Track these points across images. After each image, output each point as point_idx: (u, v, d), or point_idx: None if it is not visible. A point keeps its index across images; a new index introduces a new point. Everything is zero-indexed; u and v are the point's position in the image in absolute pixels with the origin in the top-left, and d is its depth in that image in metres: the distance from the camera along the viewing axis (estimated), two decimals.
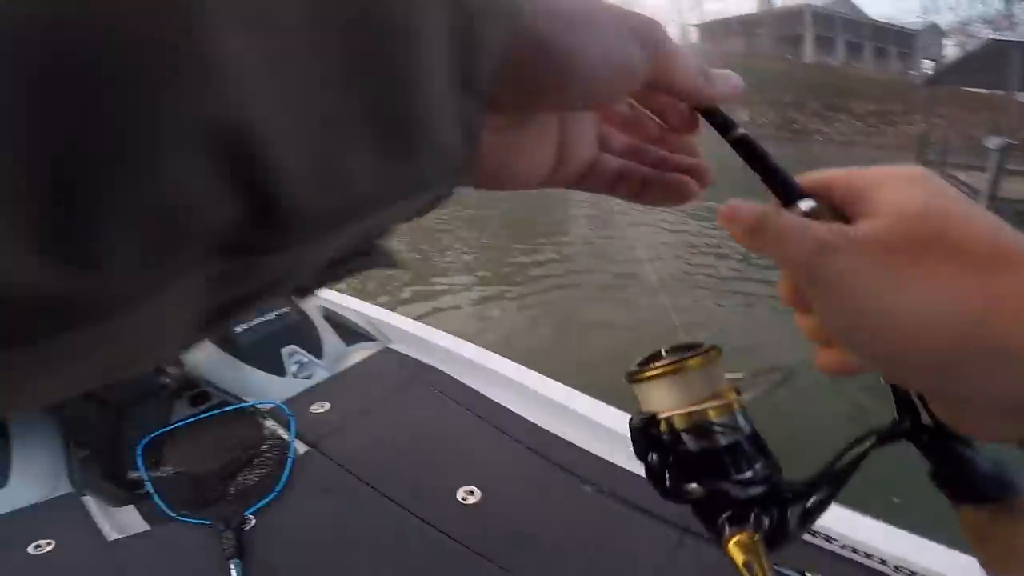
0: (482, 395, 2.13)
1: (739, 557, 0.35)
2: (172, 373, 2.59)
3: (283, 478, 1.76)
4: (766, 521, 0.36)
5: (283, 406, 2.07)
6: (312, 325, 2.59)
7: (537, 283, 6.56)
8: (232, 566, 1.43)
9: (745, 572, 0.35)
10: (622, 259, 7.01)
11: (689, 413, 0.37)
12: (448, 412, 2.06)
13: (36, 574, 1.46)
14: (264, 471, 1.85)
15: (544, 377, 2.15)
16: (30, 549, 1.50)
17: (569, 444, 1.85)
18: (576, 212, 10.25)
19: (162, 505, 1.68)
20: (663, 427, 0.39)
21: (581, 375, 2.33)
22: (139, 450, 1.87)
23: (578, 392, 2.05)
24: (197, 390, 2.65)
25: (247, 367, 2.37)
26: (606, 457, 1.77)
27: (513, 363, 2.24)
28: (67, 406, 2.25)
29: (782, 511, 0.36)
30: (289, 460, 1.82)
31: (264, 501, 1.67)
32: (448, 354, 2.36)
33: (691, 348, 0.39)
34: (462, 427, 1.99)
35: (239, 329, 2.40)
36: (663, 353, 0.41)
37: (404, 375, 2.30)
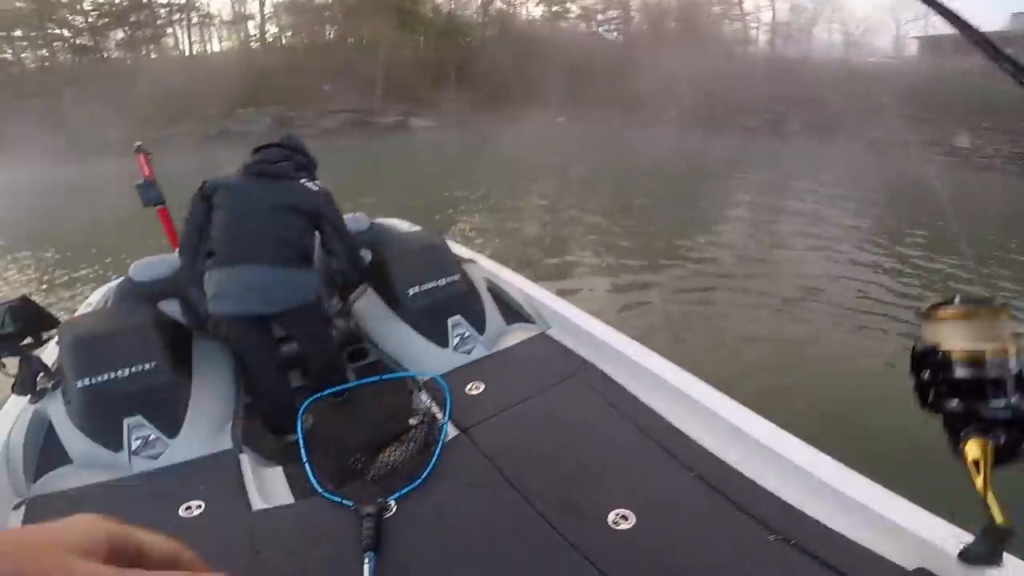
0: (647, 406, 1.79)
1: (971, 455, 0.56)
2: (339, 326, 2.56)
3: (431, 464, 1.59)
4: (1002, 439, 0.54)
5: (441, 380, 1.91)
6: (478, 298, 2.40)
7: (687, 281, 5.99)
8: (366, 559, 1.28)
9: (972, 467, 0.57)
10: (792, 274, 6.12)
11: (969, 350, 0.56)
12: (608, 419, 1.77)
13: (183, 537, 1.43)
14: (413, 451, 1.71)
15: (724, 396, 1.74)
16: (181, 511, 1.50)
17: (749, 481, 1.46)
18: (732, 213, 9.25)
19: (311, 476, 1.59)
20: (942, 355, 0.58)
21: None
22: (299, 413, 1.83)
23: (767, 421, 1.61)
24: (358, 346, 2.62)
25: (412, 331, 2.25)
26: (797, 504, 1.36)
27: (687, 373, 1.86)
28: (243, 354, 2.25)
29: (1020, 438, 0.53)
30: (439, 444, 1.66)
31: (409, 487, 1.52)
32: (610, 351, 2.04)
33: (984, 301, 0.58)
34: (622, 439, 1.67)
35: (411, 291, 2.29)
36: (956, 300, 0.60)
37: (562, 368, 2.04)
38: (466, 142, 18.70)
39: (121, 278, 2.52)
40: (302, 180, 2.07)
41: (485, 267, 2.79)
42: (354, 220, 2.73)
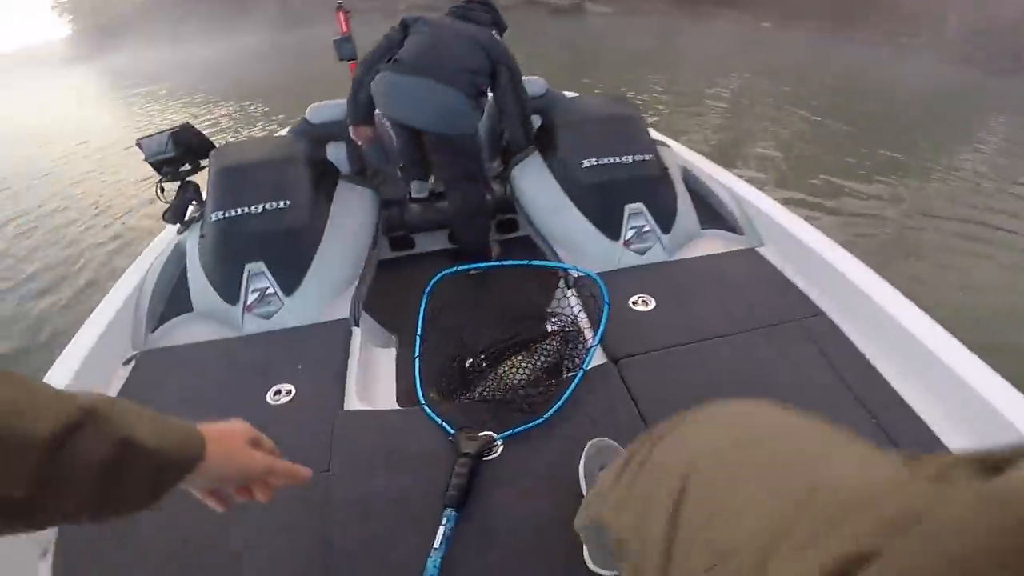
0: (897, 394, 1.11)
1: None
2: (495, 190, 2.10)
3: (560, 400, 1.11)
4: None
5: (600, 282, 1.36)
6: (670, 187, 1.78)
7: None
8: (444, 518, 0.90)
9: None
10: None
11: None
12: (830, 398, 1.12)
13: (266, 421, 1.14)
14: (542, 369, 1.23)
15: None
16: (270, 396, 1.22)
17: None
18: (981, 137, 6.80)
19: (417, 379, 1.21)
20: None
21: None
22: (426, 291, 1.41)
23: None
24: (508, 216, 2.16)
25: (575, 211, 1.71)
26: None
27: (980, 363, 1.11)
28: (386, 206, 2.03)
29: None
30: (579, 374, 1.15)
31: (525, 426, 1.07)
32: (857, 299, 1.33)
33: None
34: (832, 412, 1.03)
35: (585, 163, 1.72)
36: None
37: (775, 304, 1.38)
38: (646, 33, 16.33)
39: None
40: (492, 31, 2.01)
41: (681, 155, 2.08)
42: (530, 83, 2.21)
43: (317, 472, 1.02)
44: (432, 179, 2.14)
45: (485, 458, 1.01)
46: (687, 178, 1.92)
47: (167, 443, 0.43)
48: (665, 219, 1.67)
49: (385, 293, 1.73)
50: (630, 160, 1.72)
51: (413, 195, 2.10)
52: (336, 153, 2.18)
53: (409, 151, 2.04)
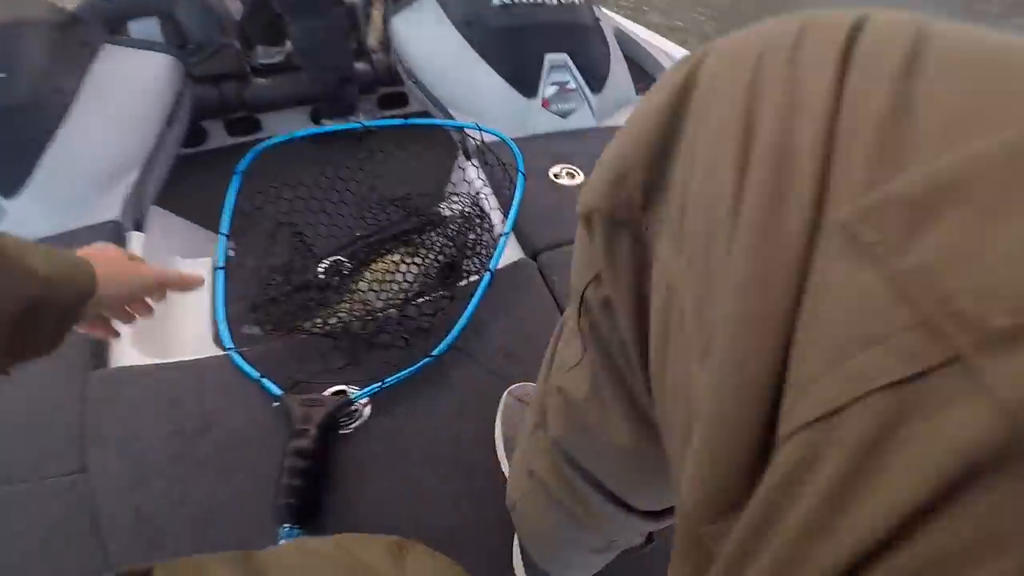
0: None
1: None
2: (375, 59, 1.65)
3: (459, 323, 0.71)
4: None
5: (514, 145, 0.95)
6: (603, 41, 1.39)
7: None
8: (281, 539, 0.53)
9: None
10: None
11: None
12: None
13: None
14: (433, 273, 0.81)
15: None
16: None
17: None
18: None
19: (220, 310, 0.73)
20: None
21: None
22: (240, 166, 0.89)
23: None
24: (392, 89, 1.66)
25: (480, 61, 1.26)
26: None
27: None
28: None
29: None
30: (485, 277, 0.75)
31: (406, 372, 0.66)
32: None
33: None
34: None
35: (496, 0, 1.26)
36: None
37: None
38: None
39: None
40: None
41: (613, 17, 1.69)
42: None
43: (66, 475, 0.59)
44: (288, 45, 1.61)
45: (341, 431, 0.62)
46: (620, 39, 1.54)
47: (61, 273, 0.39)
48: (595, 77, 1.29)
49: (217, 188, 1.20)
50: (554, 1, 1.29)
51: (260, 61, 1.62)
52: (146, 30, 1.59)
53: (257, 11, 1.59)
